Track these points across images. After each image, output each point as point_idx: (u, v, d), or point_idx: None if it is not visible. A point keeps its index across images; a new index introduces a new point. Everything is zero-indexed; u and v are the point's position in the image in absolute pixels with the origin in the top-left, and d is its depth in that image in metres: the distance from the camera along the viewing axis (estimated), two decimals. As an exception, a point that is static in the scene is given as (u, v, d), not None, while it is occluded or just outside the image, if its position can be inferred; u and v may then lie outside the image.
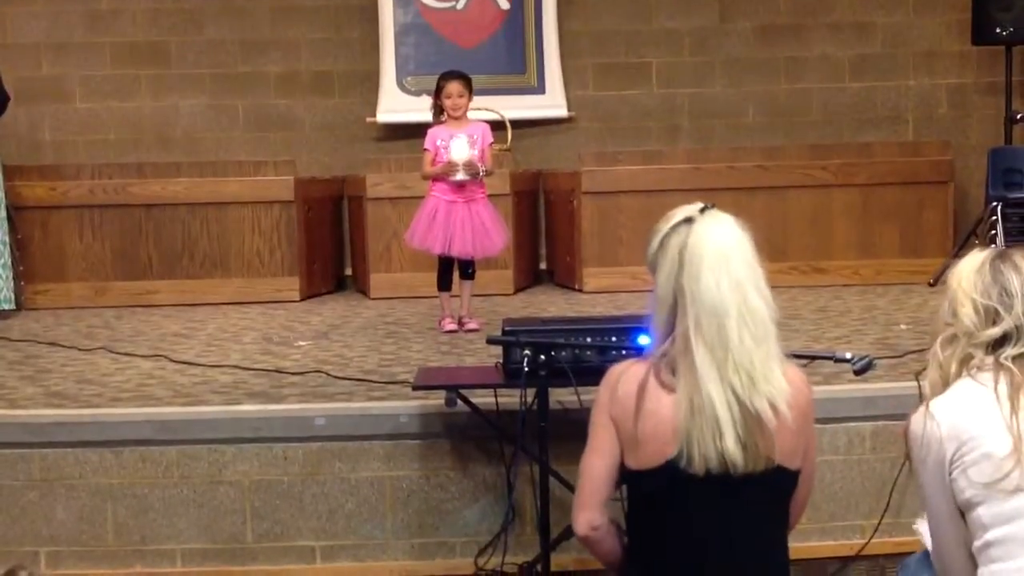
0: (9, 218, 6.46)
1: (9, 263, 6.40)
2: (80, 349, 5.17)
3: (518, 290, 7.06)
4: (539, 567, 3.27)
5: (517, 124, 7.63)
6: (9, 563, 3.76)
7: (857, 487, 3.72)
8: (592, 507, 2.17)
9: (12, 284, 6.42)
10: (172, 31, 7.84)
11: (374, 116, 7.82)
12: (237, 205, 6.85)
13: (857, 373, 2.96)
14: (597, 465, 2.16)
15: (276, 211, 6.86)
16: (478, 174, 5.45)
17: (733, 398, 2.03)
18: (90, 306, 6.66)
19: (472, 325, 5.53)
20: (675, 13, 7.97)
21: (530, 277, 7.46)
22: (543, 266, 7.69)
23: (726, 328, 2.05)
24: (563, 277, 7.36)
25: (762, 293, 2.10)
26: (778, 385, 2.06)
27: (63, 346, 5.26)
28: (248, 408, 3.86)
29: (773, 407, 2.04)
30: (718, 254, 2.09)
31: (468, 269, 5.66)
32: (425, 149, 5.58)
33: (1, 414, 3.93)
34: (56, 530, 3.75)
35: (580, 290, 6.96)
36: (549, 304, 6.52)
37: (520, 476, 3.56)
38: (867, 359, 2.94)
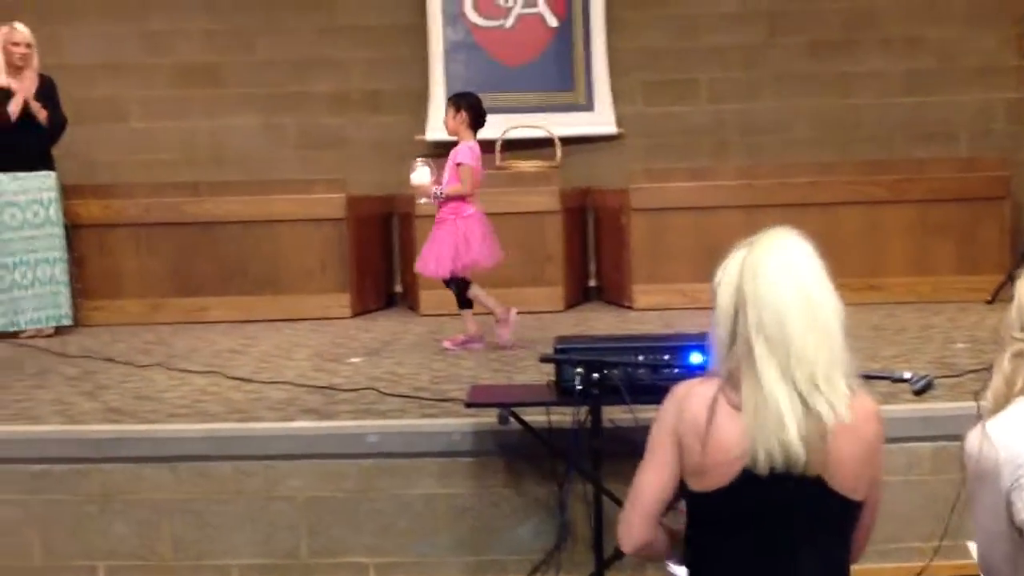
0: (67, 236, 6.57)
1: (67, 281, 6.51)
2: (137, 365, 5.24)
3: (568, 307, 7.06)
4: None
5: (565, 141, 7.64)
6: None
7: (917, 508, 3.67)
8: (642, 526, 2.16)
9: (70, 301, 6.52)
10: (225, 52, 7.95)
11: (423, 134, 7.87)
12: (289, 223, 6.92)
13: (917, 393, 2.92)
14: (652, 482, 2.15)
15: (327, 228, 6.92)
16: (433, 198, 5.49)
17: (795, 395, 2.03)
18: (146, 323, 6.76)
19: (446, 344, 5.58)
20: (724, 29, 7.95)
21: (579, 294, 7.46)
22: (592, 283, 7.68)
23: (789, 326, 2.03)
24: (612, 294, 7.34)
25: (827, 293, 2.09)
26: (840, 389, 2.05)
27: (120, 362, 5.34)
28: (302, 425, 3.89)
29: (833, 409, 2.03)
30: (782, 256, 2.09)
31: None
32: None
33: (61, 429, 3.99)
34: (114, 545, 3.80)
35: (630, 307, 6.94)
36: (599, 321, 6.50)
37: (573, 494, 3.56)
38: (927, 379, 2.90)
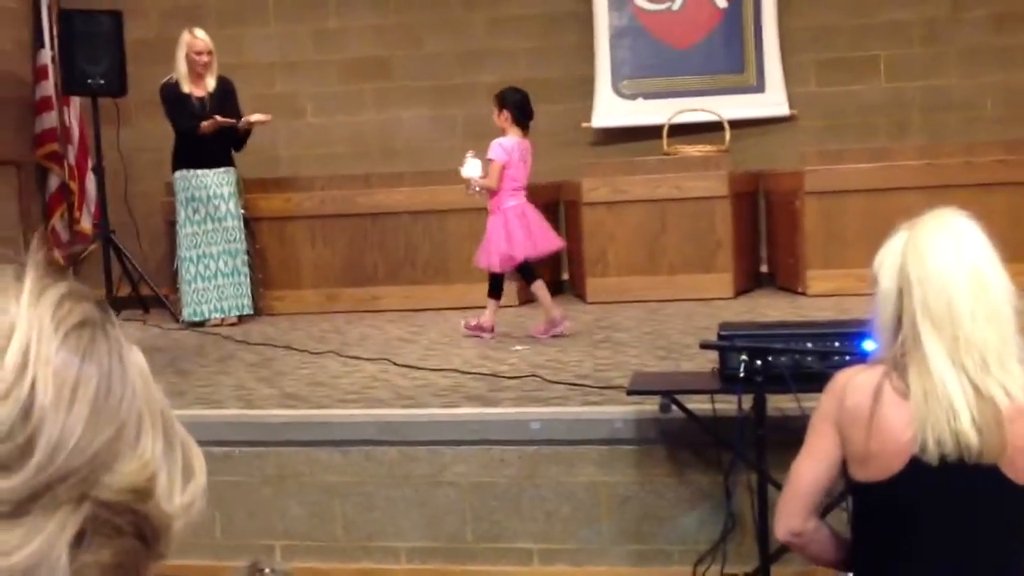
0: (247, 229, 6.84)
1: (247, 272, 6.78)
2: (312, 353, 5.41)
3: (738, 293, 6.91)
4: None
5: (735, 124, 7.47)
6: (250, 558, 3.98)
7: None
8: (796, 513, 2.09)
9: (251, 291, 6.80)
10: (394, 46, 8.11)
11: (589, 121, 7.84)
12: (456, 212, 7.00)
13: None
14: (810, 470, 2.07)
15: (494, 218, 6.96)
16: (471, 191, 5.66)
17: (966, 379, 1.92)
18: (322, 312, 6.97)
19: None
20: (904, 3, 7.62)
21: (751, 280, 7.29)
22: (764, 269, 7.50)
23: (956, 305, 1.93)
24: (785, 280, 7.15)
25: (998, 272, 1.97)
26: (1014, 372, 1.93)
27: (297, 350, 5.52)
28: (466, 411, 3.93)
29: (1007, 393, 1.91)
30: (947, 235, 1.99)
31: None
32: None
33: (240, 414, 4.16)
34: (289, 525, 3.93)
35: (804, 293, 6.74)
36: (770, 308, 6.34)
37: (739, 484, 3.47)
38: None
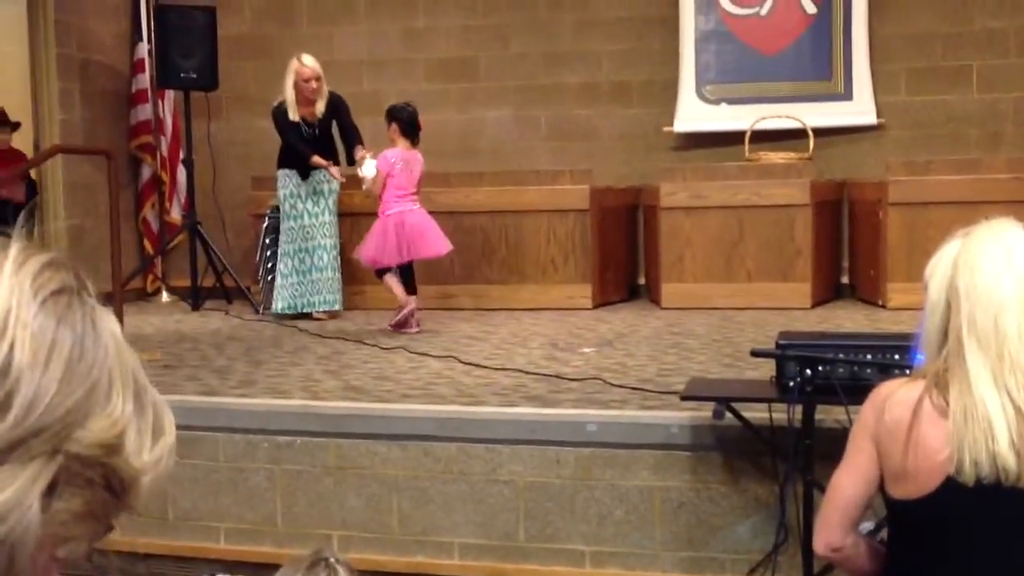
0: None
1: (339, 267, 6.86)
2: (382, 348, 5.48)
3: (816, 304, 6.81)
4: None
5: (820, 132, 7.35)
6: (313, 547, 4.06)
7: None
8: (835, 528, 2.05)
9: (341, 287, 6.89)
10: (481, 47, 8.17)
11: (671, 125, 7.79)
12: (534, 213, 7.03)
13: None
14: (848, 485, 2.04)
15: (571, 220, 6.98)
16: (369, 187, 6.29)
17: (1008, 400, 1.86)
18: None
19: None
20: (999, 12, 7.41)
21: (830, 291, 7.17)
22: (845, 280, 7.37)
23: (1003, 323, 1.87)
24: (865, 292, 7.02)
25: None
26: None
27: (367, 344, 5.60)
28: (523, 410, 3.95)
29: None
30: (1000, 248, 1.93)
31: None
32: None
33: (303, 404, 4.23)
34: (348, 516, 3.99)
35: (883, 306, 6.61)
36: (846, 320, 6.23)
37: (794, 495, 3.42)
38: None
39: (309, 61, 6.62)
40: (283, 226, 6.84)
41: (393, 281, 6.20)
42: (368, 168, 6.26)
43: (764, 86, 7.68)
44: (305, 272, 6.80)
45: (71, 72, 7.88)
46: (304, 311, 6.77)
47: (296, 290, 6.80)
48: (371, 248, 6.14)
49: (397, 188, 6.13)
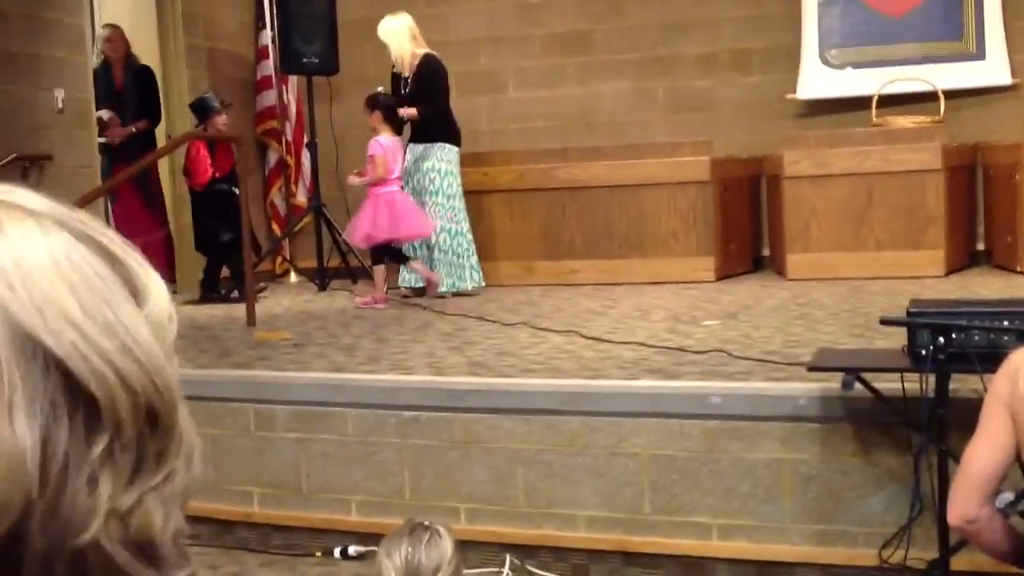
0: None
1: (451, 248, 6.85)
2: (504, 324, 5.51)
3: (950, 272, 6.59)
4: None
5: (951, 94, 7.10)
6: (438, 519, 4.12)
7: None
8: (969, 499, 1.99)
9: (460, 270, 6.86)
10: (597, 19, 8.11)
11: (794, 92, 7.61)
12: (654, 186, 6.96)
13: None
14: (983, 456, 1.97)
15: (692, 192, 6.90)
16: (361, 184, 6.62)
17: None
18: (518, 284, 7.08)
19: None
20: None
21: (965, 258, 6.93)
22: (980, 247, 7.11)
23: None
24: (1002, 258, 6.76)
25: None
26: None
27: (489, 321, 5.64)
28: (645, 384, 3.92)
29: None
30: None
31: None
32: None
33: (429, 380, 4.29)
34: (474, 489, 4.04)
35: (1022, 272, 6.36)
36: (982, 287, 6.01)
37: (930, 467, 3.33)
38: None
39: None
40: (456, 204, 6.78)
41: (381, 274, 6.52)
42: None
43: (891, 49, 7.44)
44: (416, 247, 6.85)
45: (199, 61, 8.12)
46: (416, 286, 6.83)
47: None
48: (366, 225, 6.40)
49: (386, 172, 6.48)
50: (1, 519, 0.50)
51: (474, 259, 6.89)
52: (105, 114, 7.29)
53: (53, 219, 0.56)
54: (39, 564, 0.51)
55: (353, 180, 6.61)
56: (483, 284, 6.90)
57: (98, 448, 0.52)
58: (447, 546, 2.16)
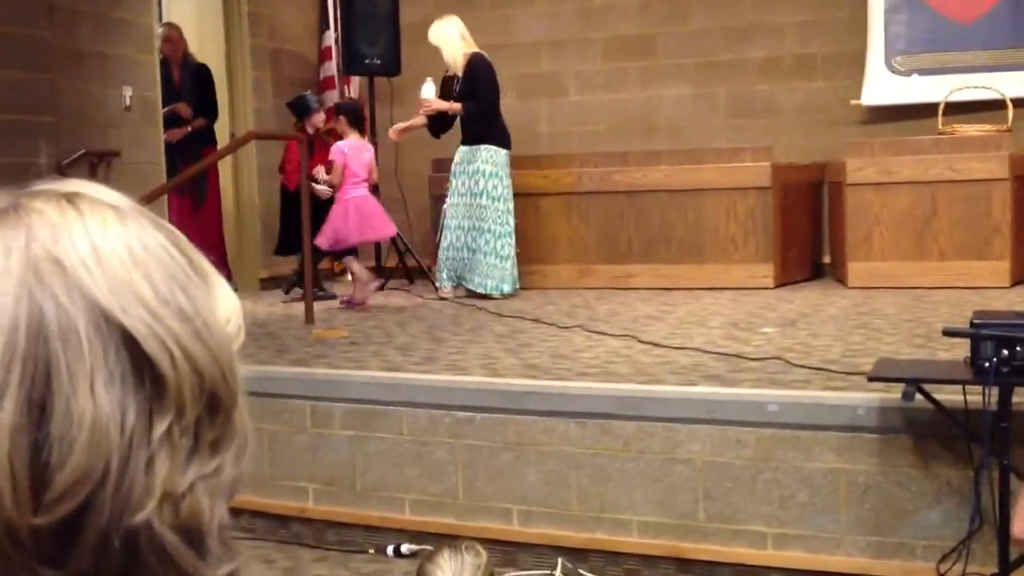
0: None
1: (498, 252, 6.85)
2: (560, 326, 5.51)
3: (1015, 283, 6.47)
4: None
5: (1020, 103, 6.95)
6: (492, 521, 4.13)
7: None
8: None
9: (504, 273, 6.89)
10: (659, 23, 8.09)
11: (858, 98, 7.52)
12: (713, 191, 6.92)
13: None
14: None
15: (752, 197, 6.84)
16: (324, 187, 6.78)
17: None
18: (575, 287, 7.07)
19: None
20: None
21: (1032, 270, 6.79)
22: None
23: None
24: (1072, 271, 6.62)
25: None
26: None
27: (545, 323, 5.64)
28: (701, 390, 3.90)
29: None
30: None
31: None
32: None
33: (484, 381, 4.30)
34: (527, 491, 4.04)
35: (1093, 286, 6.23)
36: (1050, 299, 5.89)
37: (990, 481, 3.27)
38: None
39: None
40: (501, 207, 6.79)
41: (355, 263, 6.69)
42: (428, 90, 6.88)
43: (958, 56, 7.32)
44: (459, 248, 6.84)
45: (263, 62, 8.22)
46: (479, 290, 6.83)
47: (457, 266, 6.85)
48: (330, 232, 6.52)
49: (352, 175, 6.60)
50: (82, 486, 0.52)
51: (514, 263, 6.85)
52: (182, 108, 7.39)
53: (129, 209, 0.58)
54: (97, 538, 0.53)
55: (316, 188, 6.60)
56: (517, 288, 6.89)
57: (160, 429, 0.54)
58: (482, 560, 2.23)
